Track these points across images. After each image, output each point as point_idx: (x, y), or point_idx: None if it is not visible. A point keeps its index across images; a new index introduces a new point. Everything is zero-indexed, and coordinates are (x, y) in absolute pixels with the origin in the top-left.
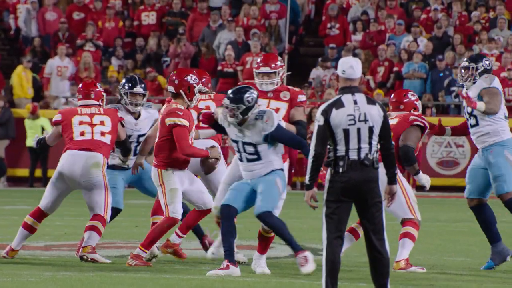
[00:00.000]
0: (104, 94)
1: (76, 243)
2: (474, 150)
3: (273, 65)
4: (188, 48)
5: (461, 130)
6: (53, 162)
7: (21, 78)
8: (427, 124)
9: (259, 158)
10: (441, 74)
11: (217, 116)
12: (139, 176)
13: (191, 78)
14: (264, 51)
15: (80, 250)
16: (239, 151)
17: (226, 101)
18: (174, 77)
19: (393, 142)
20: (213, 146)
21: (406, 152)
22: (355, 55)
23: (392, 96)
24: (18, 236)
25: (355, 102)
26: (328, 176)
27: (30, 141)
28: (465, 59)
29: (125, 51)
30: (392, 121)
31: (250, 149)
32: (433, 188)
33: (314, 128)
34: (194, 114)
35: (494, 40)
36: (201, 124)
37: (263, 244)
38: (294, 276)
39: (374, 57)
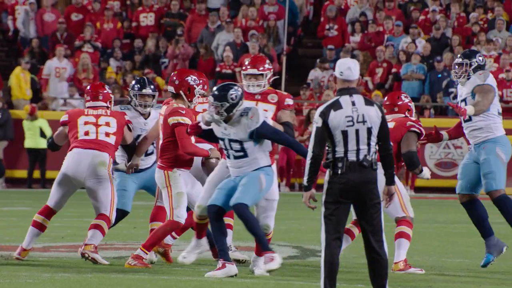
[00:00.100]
0: (112, 96)
1: (75, 244)
2: None
3: (261, 68)
4: (187, 49)
5: (457, 131)
6: (51, 164)
7: (20, 79)
8: (423, 131)
9: (245, 155)
10: (439, 76)
11: (204, 121)
12: (152, 180)
13: (191, 79)
14: (263, 52)
15: (83, 247)
16: (226, 149)
17: (210, 99)
18: (174, 78)
19: (391, 143)
20: (211, 149)
21: (410, 157)
22: (353, 56)
23: (385, 99)
24: (28, 235)
25: (353, 104)
26: (326, 178)
27: (29, 143)
28: (459, 55)
29: (123, 52)
30: (389, 125)
31: (236, 146)
32: (431, 190)
33: (312, 129)
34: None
35: (492, 41)
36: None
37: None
38: (292, 278)
39: (373, 58)
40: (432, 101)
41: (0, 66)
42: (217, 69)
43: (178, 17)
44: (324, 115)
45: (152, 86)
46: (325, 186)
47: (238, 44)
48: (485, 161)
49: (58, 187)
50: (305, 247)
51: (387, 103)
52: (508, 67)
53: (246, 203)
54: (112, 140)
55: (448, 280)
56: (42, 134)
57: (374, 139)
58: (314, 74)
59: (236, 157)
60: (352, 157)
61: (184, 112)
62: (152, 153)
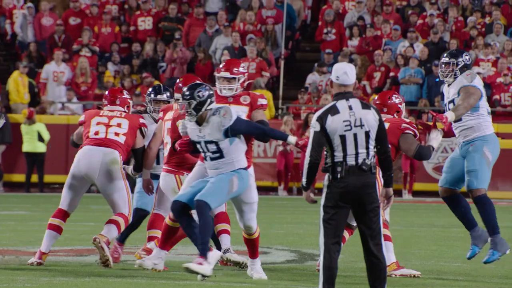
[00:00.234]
0: (131, 101)
1: (73, 248)
2: None
3: (234, 70)
4: (185, 53)
5: (449, 131)
6: (49, 168)
7: (18, 83)
8: (417, 133)
9: (222, 156)
10: (437, 80)
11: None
12: None
13: None
14: (261, 56)
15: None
16: (203, 151)
17: (179, 97)
18: (180, 85)
19: (389, 146)
20: None
21: (421, 154)
22: (351, 60)
23: (376, 98)
24: (46, 239)
25: (350, 108)
26: (326, 182)
27: (27, 147)
28: (445, 54)
29: (121, 57)
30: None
31: (212, 147)
32: (429, 194)
33: (310, 134)
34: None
35: (490, 45)
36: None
37: (251, 249)
38: (291, 282)
39: (371, 62)
40: (430, 105)
41: None
42: (215, 73)
43: (176, 21)
44: (322, 120)
45: (168, 93)
46: (324, 191)
47: (236, 48)
48: (470, 158)
49: (69, 188)
50: (303, 251)
51: (377, 102)
52: (506, 71)
53: (209, 203)
54: (121, 139)
55: (446, 285)
56: (40, 138)
57: (372, 143)
58: (312, 78)
59: (212, 159)
60: (351, 161)
61: None
62: None
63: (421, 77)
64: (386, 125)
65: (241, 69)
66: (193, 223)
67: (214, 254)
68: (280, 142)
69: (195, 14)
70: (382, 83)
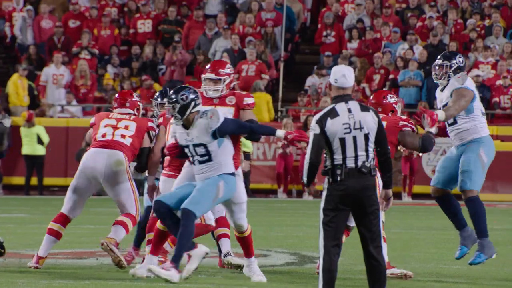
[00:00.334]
0: (141, 104)
1: (72, 251)
2: None
3: (220, 71)
4: (184, 56)
5: (443, 132)
6: (49, 171)
7: (17, 86)
8: (415, 129)
9: (210, 159)
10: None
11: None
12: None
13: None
14: (260, 58)
15: (104, 238)
16: (191, 155)
17: (165, 101)
18: None
19: (389, 148)
20: None
21: (425, 146)
22: (350, 63)
23: (371, 97)
24: (44, 243)
25: (349, 111)
26: (325, 185)
27: (26, 149)
28: (439, 56)
29: (121, 59)
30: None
31: (201, 150)
32: (429, 196)
33: (310, 136)
34: None
35: (489, 48)
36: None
37: (245, 246)
38: (290, 284)
39: (370, 65)
40: (429, 107)
41: None
42: (202, 74)
43: (175, 24)
44: (321, 123)
45: None
46: (324, 193)
47: (236, 50)
48: (466, 159)
49: (73, 191)
50: (303, 253)
51: (373, 101)
52: (505, 74)
53: (195, 212)
54: (127, 141)
55: (446, 287)
56: (40, 141)
57: (371, 145)
58: (312, 80)
59: (200, 162)
60: (350, 164)
61: None
62: None
63: (420, 79)
64: (384, 123)
65: (227, 70)
66: (177, 222)
67: (198, 251)
68: (280, 144)
69: (195, 17)
70: (382, 86)
